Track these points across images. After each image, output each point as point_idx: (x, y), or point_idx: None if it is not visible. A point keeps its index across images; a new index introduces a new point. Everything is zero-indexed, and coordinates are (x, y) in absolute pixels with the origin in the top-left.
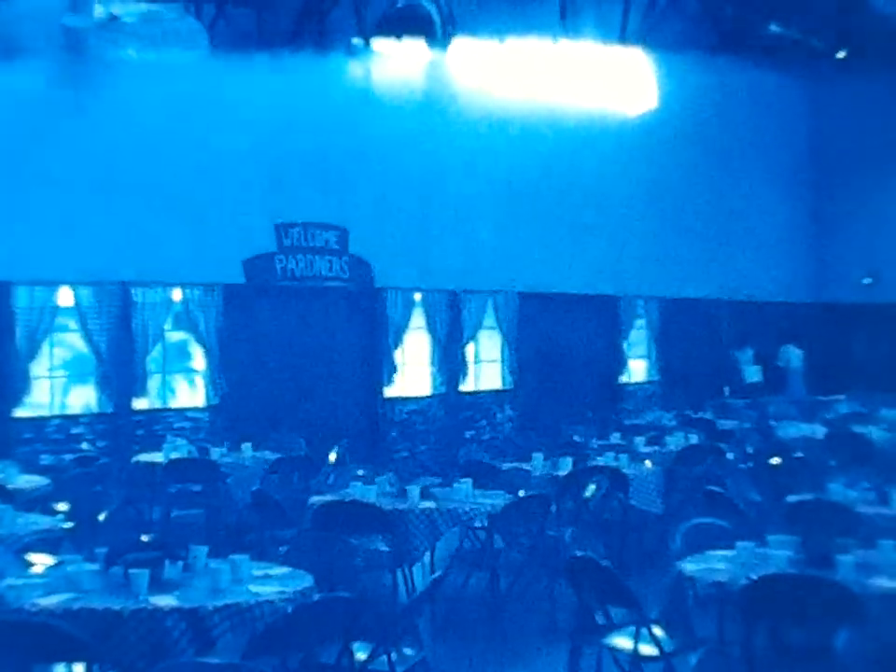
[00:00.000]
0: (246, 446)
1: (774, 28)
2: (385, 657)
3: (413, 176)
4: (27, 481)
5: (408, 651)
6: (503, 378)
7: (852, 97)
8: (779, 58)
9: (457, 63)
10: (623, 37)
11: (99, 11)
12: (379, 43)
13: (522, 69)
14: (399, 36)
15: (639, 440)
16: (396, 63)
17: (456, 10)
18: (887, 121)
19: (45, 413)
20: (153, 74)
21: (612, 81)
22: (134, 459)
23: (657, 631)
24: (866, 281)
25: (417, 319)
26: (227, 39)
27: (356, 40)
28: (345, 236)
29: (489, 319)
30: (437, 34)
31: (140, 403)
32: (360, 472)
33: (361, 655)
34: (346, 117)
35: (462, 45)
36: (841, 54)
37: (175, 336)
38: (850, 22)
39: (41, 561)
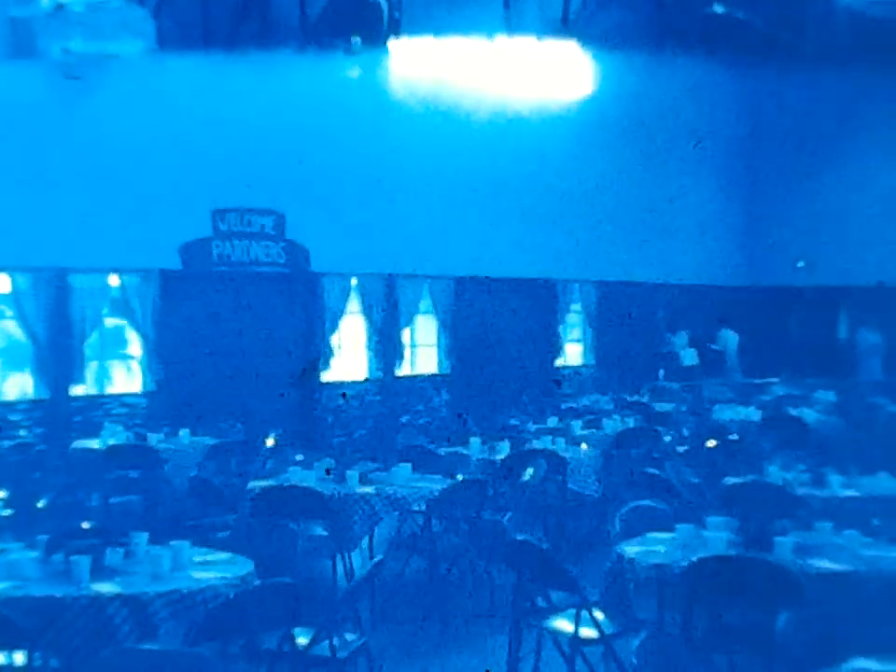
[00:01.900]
0: (184, 432)
1: (717, 8)
2: (326, 642)
3: (351, 162)
4: None
5: (349, 636)
6: (440, 362)
7: (787, 83)
8: (717, 44)
9: (399, 54)
10: (563, 28)
11: (45, 0)
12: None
13: (462, 61)
14: (343, 29)
15: (576, 423)
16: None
17: (400, 4)
18: (821, 106)
19: None
20: (92, 60)
21: (551, 71)
22: (72, 446)
23: (597, 614)
24: (800, 264)
25: (354, 304)
26: (169, 28)
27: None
28: (282, 221)
29: (425, 304)
30: (382, 26)
31: (77, 390)
32: (299, 457)
33: (303, 640)
34: (284, 104)
35: (405, 38)
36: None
37: (112, 322)
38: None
39: None
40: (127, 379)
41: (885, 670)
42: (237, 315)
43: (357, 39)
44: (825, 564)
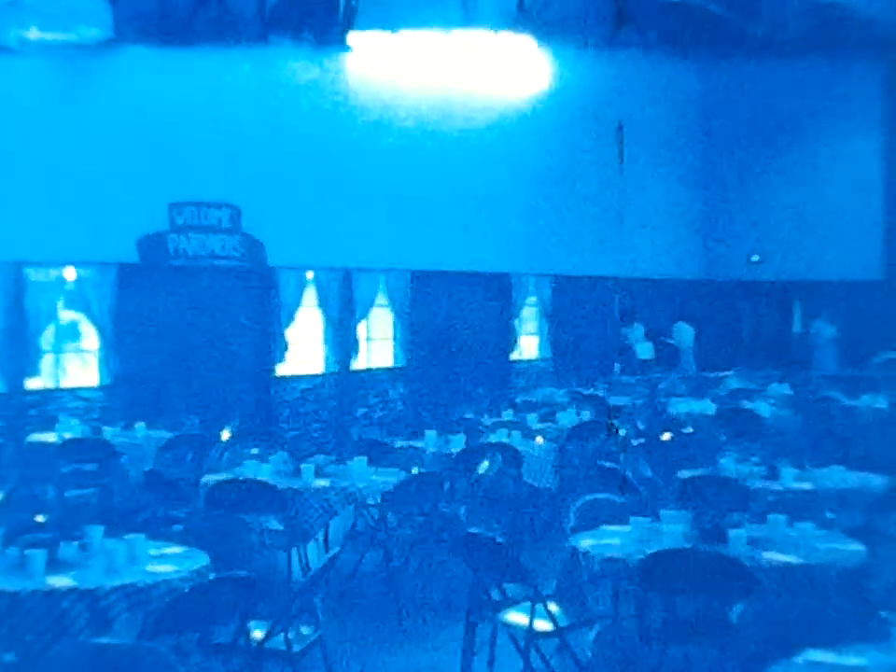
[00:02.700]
0: (140, 426)
1: None
2: (281, 635)
3: (307, 156)
4: None
5: (304, 629)
6: (395, 356)
7: (744, 76)
8: (674, 34)
9: (355, 48)
10: (519, 18)
11: None
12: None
13: (419, 54)
14: (299, 21)
15: (532, 416)
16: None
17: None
18: (775, 101)
19: None
20: (48, 51)
21: (507, 64)
22: (28, 439)
23: (552, 607)
24: (754, 258)
25: (309, 297)
26: (127, 18)
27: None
28: (238, 215)
29: (381, 297)
30: (338, 21)
31: (33, 383)
32: (254, 451)
33: (258, 634)
34: (240, 98)
35: (361, 31)
36: None
37: (68, 315)
38: None
39: None
40: (83, 373)
41: (838, 662)
42: (193, 308)
43: (312, 32)
44: (779, 556)
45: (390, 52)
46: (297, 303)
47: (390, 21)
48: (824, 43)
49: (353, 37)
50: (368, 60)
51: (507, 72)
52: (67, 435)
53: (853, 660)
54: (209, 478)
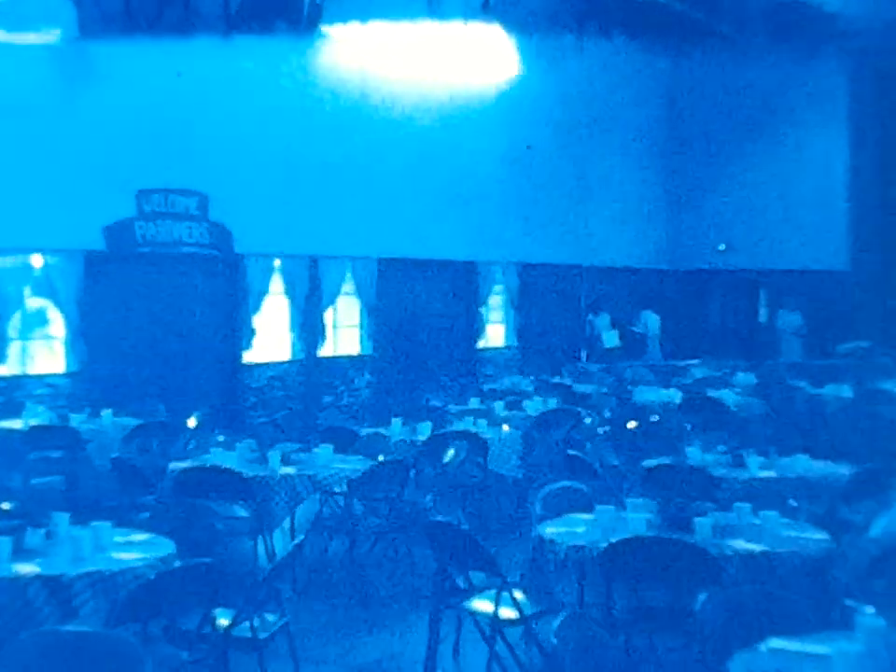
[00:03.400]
0: (107, 413)
1: None
2: (247, 623)
3: (274, 144)
4: None
5: (270, 617)
6: (362, 343)
7: (708, 66)
8: (638, 26)
9: (322, 39)
10: (485, 10)
11: None
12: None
13: (386, 45)
14: (265, 14)
15: (498, 404)
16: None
17: None
18: (741, 91)
19: None
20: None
21: (474, 55)
22: None
23: (517, 594)
24: (721, 248)
25: (276, 285)
26: (92, 15)
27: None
28: (205, 202)
29: (348, 285)
30: (304, 13)
31: None
32: (220, 438)
33: (224, 621)
34: (208, 86)
35: (328, 23)
36: None
37: (35, 302)
38: None
39: None
40: (50, 360)
41: (801, 649)
42: (161, 295)
43: (280, 24)
44: (743, 544)
45: (358, 43)
46: (264, 291)
47: (359, 12)
48: (789, 36)
49: (321, 29)
50: (336, 50)
51: (475, 62)
52: (33, 422)
53: (817, 648)
54: (175, 465)
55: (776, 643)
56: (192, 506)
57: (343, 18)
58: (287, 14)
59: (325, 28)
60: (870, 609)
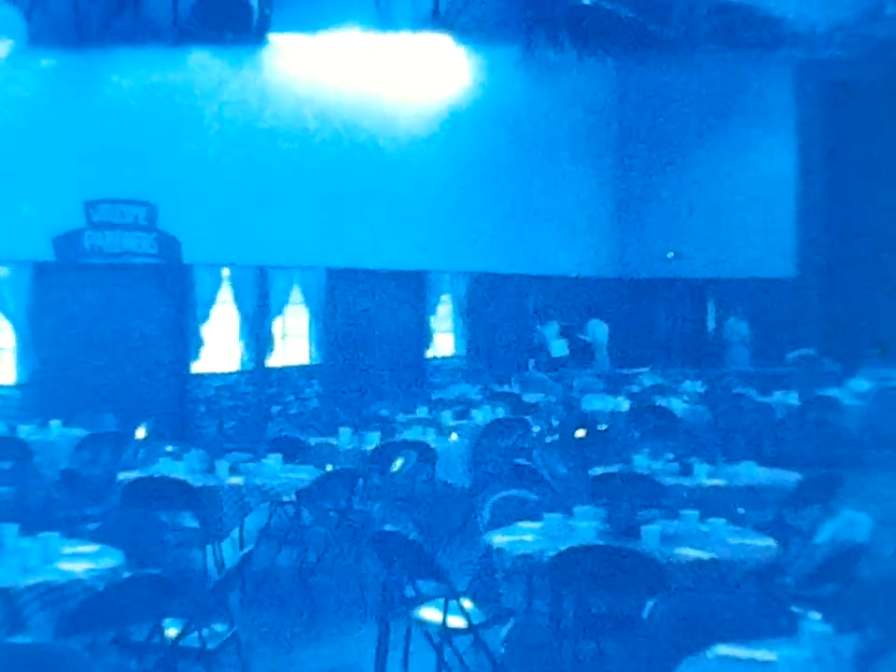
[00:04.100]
0: (56, 424)
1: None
2: (196, 633)
3: (223, 155)
4: None
5: (219, 627)
6: (310, 353)
7: (656, 75)
8: (587, 35)
9: (271, 49)
10: (434, 20)
11: None
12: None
13: (335, 55)
14: (214, 24)
15: (446, 413)
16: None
17: (270, 1)
18: (689, 99)
19: None
20: None
21: (423, 66)
22: None
23: (466, 603)
24: (669, 256)
25: (225, 295)
26: (42, 26)
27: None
28: (154, 213)
29: (296, 295)
30: (253, 24)
31: None
32: (169, 448)
33: (172, 632)
34: (157, 96)
35: (277, 33)
36: None
37: None
38: None
39: None
40: None
41: (748, 656)
42: (110, 306)
43: (229, 35)
44: (691, 552)
45: (307, 53)
46: (212, 301)
47: (308, 22)
48: (736, 43)
49: (269, 39)
50: (285, 60)
51: (424, 73)
52: None
53: (763, 654)
54: (124, 476)
55: (723, 650)
56: (141, 516)
57: (292, 27)
58: (236, 24)
59: (274, 38)
60: (816, 616)
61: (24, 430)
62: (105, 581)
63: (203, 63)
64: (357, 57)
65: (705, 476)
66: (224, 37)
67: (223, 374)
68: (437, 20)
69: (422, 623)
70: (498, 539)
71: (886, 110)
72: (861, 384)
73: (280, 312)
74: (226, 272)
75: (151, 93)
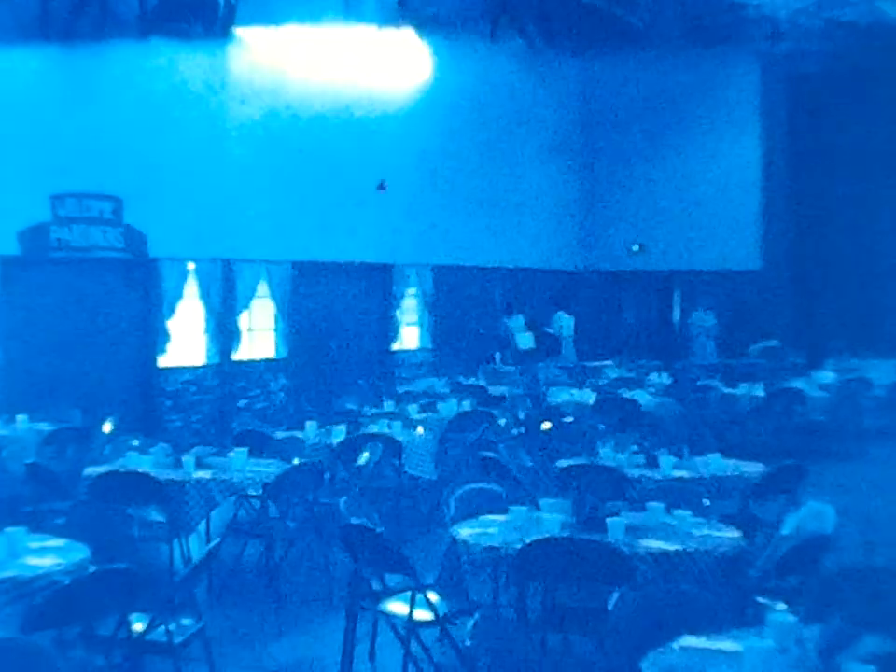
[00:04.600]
0: (22, 418)
1: None
2: (162, 628)
3: (189, 148)
4: None
5: (185, 621)
6: (277, 347)
7: (623, 67)
8: (553, 26)
9: (237, 43)
10: (401, 14)
11: None
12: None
13: (301, 48)
14: (180, 18)
15: (412, 407)
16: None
17: None
18: (655, 92)
19: None
20: None
21: (388, 58)
22: None
23: (432, 596)
24: (634, 248)
25: (191, 289)
26: (7, 22)
27: None
28: (120, 206)
29: (263, 288)
30: (218, 16)
31: None
32: (135, 443)
33: (139, 626)
34: (123, 91)
35: (243, 27)
36: None
37: None
38: None
39: None
40: None
41: (713, 647)
42: (76, 300)
43: (195, 27)
44: (656, 543)
45: (273, 45)
46: (178, 295)
47: (272, 16)
48: (703, 34)
49: (235, 32)
50: (251, 53)
51: (389, 65)
52: None
53: (729, 645)
54: (91, 470)
55: (688, 641)
56: (107, 511)
57: (259, 20)
58: (201, 16)
59: (240, 30)
60: (781, 606)
61: None
62: (71, 575)
63: (168, 57)
64: (323, 50)
65: (670, 468)
66: (190, 31)
67: (189, 368)
68: (402, 12)
69: (389, 616)
70: (465, 531)
71: (849, 103)
72: (826, 375)
73: (246, 305)
74: (192, 266)
75: (117, 87)
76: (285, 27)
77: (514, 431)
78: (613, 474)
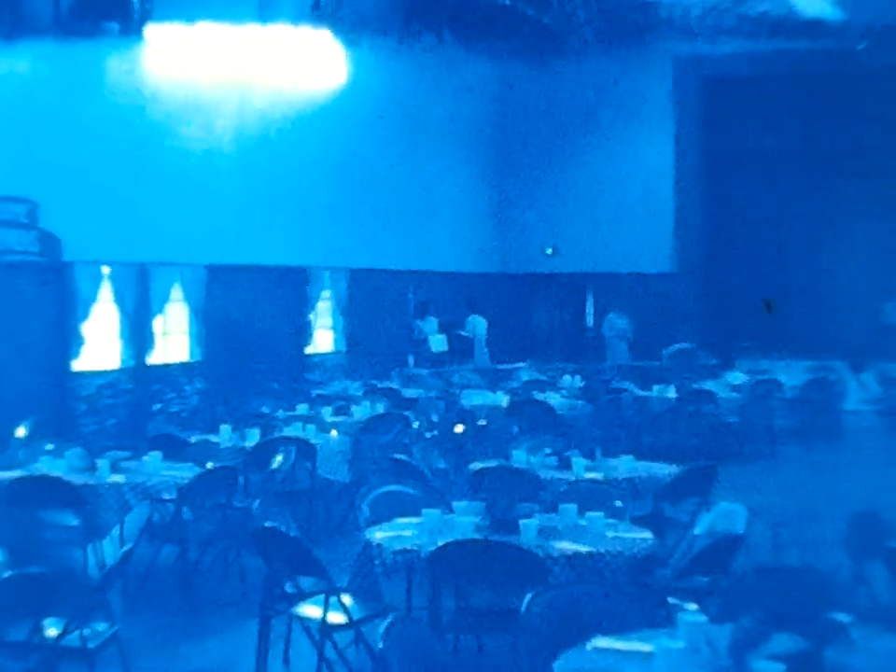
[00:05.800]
0: None
1: None
2: (77, 632)
3: (104, 150)
4: None
5: (99, 626)
6: (191, 350)
7: (536, 70)
8: (469, 28)
9: (152, 42)
10: (315, 14)
11: None
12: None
13: (215, 48)
14: (95, 16)
15: (326, 410)
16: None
17: None
18: (569, 94)
19: None
20: None
21: (303, 59)
22: None
23: (346, 599)
24: (548, 251)
25: (105, 292)
26: None
27: None
28: (35, 210)
29: (177, 292)
30: (133, 16)
31: None
32: (49, 447)
33: (53, 631)
34: (37, 92)
35: (158, 25)
36: None
37: None
38: None
39: None
40: None
41: (625, 647)
42: None
43: (110, 26)
44: (569, 545)
45: (187, 45)
46: (92, 298)
47: (187, 14)
48: (616, 35)
49: (149, 30)
50: (165, 52)
51: (304, 66)
52: None
53: (640, 646)
54: (4, 475)
55: (601, 642)
56: (22, 515)
57: (173, 18)
58: (117, 16)
59: (154, 30)
60: (692, 606)
61: None
62: None
63: (83, 57)
64: (236, 50)
65: (583, 470)
66: (104, 30)
67: (104, 372)
68: (316, 12)
69: (302, 619)
70: (378, 534)
71: (762, 104)
72: (737, 376)
73: (161, 309)
74: (106, 269)
75: (30, 88)
76: (198, 25)
77: (428, 434)
78: (526, 476)
